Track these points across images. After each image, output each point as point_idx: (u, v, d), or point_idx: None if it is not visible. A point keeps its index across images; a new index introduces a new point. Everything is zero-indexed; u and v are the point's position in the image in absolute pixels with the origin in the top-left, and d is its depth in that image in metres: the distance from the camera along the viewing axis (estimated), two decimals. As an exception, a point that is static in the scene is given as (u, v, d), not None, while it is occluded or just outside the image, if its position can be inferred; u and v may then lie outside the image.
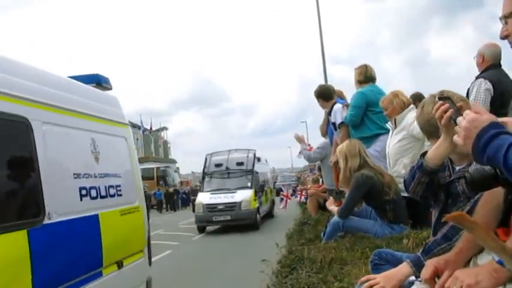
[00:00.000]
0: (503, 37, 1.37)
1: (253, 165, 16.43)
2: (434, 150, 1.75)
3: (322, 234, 4.12)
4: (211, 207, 14.91)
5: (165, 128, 58.33)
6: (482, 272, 1.27)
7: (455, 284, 1.30)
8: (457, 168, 1.85)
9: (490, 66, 3.85)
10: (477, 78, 3.83)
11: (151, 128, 53.63)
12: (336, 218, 3.92)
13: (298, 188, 15.66)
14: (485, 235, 1.22)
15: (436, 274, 1.48)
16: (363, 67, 4.98)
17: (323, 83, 13.76)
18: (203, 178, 16.91)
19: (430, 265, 1.51)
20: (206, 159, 17.02)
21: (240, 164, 16.47)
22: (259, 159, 18.33)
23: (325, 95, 5.46)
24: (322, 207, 5.36)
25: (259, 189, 16.26)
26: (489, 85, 3.67)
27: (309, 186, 10.86)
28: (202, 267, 8.99)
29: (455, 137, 1.31)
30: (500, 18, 1.35)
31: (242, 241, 12.38)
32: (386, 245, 3.14)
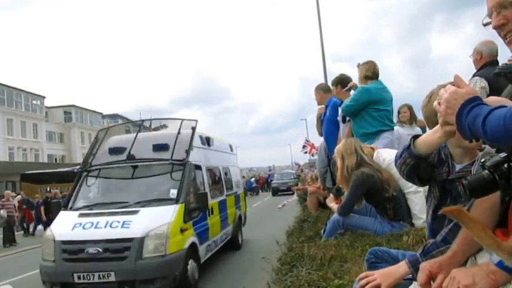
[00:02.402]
0: (498, 25, 1.33)
1: (188, 152, 7.43)
2: (426, 137, 1.71)
3: (322, 232, 4.13)
4: (72, 251, 6.29)
5: (164, 126, 58.23)
6: (480, 273, 1.27)
7: (452, 284, 1.30)
8: (458, 167, 1.81)
9: (487, 63, 3.84)
10: (473, 76, 3.83)
11: (150, 126, 53.54)
12: (335, 215, 3.92)
13: (294, 187, 14.59)
14: (482, 232, 1.22)
15: (431, 278, 1.48)
16: (371, 63, 5.03)
17: (323, 81, 13.78)
18: (78, 179, 7.77)
19: (424, 269, 1.51)
20: (96, 139, 8.22)
21: (161, 148, 7.63)
22: (208, 142, 9.10)
23: (345, 82, 5.53)
24: (322, 204, 5.37)
25: (201, 203, 7.27)
26: (485, 83, 3.66)
27: (308, 181, 10.87)
28: (203, 265, 9.01)
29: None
30: (493, 8, 1.31)
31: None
32: (386, 242, 3.15)
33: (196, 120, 8.12)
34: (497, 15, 1.33)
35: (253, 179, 42.98)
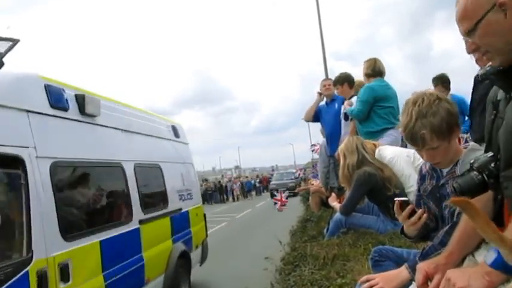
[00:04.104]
0: (472, 51, 1.34)
1: None
2: (406, 228, 1.97)
3: (324, 231, 4.12)
4: None
5: None
6: (475, 274, 1.27)
7: (447, 286, 1.30)
8: (445, 171, 1.88)
9: None
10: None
11: None
12: (338, 215, 3.92)
13: (299, 188, 14.02)
14: (486, 225, 1.21)
15: (428, 278, 1.49)
16: (372, 60, 5.00)
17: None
18: None
19: (421, 270, 1.52)
20: None
21: None
22: (81, 108, 3.73)
23: (352, 80, 5.52)
24: (324, 203, 5.37)
25: None
26: None
27: (312, 182, 10.82)
28: (206, 266, 9.03)
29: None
30: (465, 36, 1.31)
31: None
32: (389, 240, 3.15)
33: (20, 41, 3.01)
34: (467, 43, 1.34)
35: (257, 179, 42.96)
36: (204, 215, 6.93)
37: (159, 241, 4.86)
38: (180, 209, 5.72)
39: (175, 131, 6.33)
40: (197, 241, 6.21)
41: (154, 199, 5.14)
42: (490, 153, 1.31)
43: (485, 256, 1.29)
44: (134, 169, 4.52)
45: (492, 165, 1.29)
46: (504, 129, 1.28)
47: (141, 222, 4.39)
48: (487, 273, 1.24)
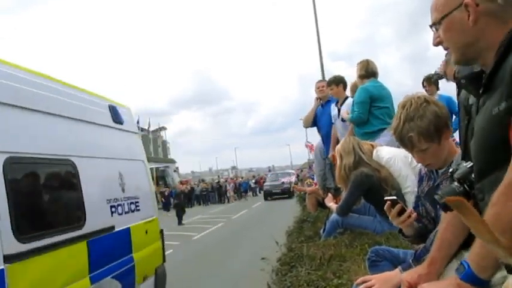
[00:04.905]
0: (436, 44, 1.35)
1: None
2: (403, 229, 2.02)
3: (321, 231, 4.12)
4: None
5: (163, 128, 58.37)
6: (448, 287, 1.27)
7: None
8: (440, 172, 1.90)
9: None
10: None
11: (148, 128, 53.60)
12: (334, 215, 3.92)
13: (294, 186, 14.09)
14: (481, 226, 1.20)
15: None
16: (365, 62, 5.03)
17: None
18: None
19: (404, 281, 1.53)
20: None
21: None
22: None
23: (346, 83, 5.57)
24: (321, 204, 5.38)
25: None
26: None
27: (306, 182, 10.86)
28: (203, 267, 9.01)
29: None
30: (431, 27, 1.34)
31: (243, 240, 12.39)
32: (385, 240, 3.15)
33: None
34: (434, 34, 1.36)
35: (253, 180, 42.98)
36: (161, 231, 4.96)
37: (57, 286, 2.88)
38: (112, 228, 3.70)
39: (115, 114, 4.27)
40: (145, 271, 4.22)
41: (53, 215, 3.12)
42: (470, 163, 1.30)
43: (457, 269, 1.29)
44: (3, 166, 2.54)
45: (473, 175, 1.28)
46: (474, 140, 1.26)
47: (9, 259, 2.43)
48: (459, 285, 1.24)
